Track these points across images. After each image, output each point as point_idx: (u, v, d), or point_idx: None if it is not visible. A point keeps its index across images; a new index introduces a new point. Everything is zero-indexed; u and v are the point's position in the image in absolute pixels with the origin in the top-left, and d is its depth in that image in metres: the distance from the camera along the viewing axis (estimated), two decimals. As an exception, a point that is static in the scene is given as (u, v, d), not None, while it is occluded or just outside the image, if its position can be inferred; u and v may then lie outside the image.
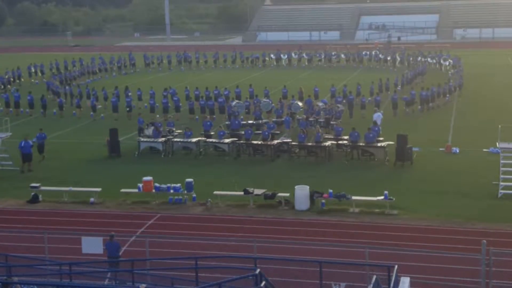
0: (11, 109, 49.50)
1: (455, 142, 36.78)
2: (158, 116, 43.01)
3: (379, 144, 34.01)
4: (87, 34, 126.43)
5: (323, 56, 74.39)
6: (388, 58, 69.58)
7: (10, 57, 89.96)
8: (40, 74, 66.58)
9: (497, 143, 29.80)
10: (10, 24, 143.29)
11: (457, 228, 24.43)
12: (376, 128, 35.35)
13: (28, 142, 33.58)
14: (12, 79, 62.21)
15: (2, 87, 58.37)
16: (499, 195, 27.78)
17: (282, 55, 75.55)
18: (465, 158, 34.02)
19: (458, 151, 35.13)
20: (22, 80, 63.64)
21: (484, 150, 35.00)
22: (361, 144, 34.22)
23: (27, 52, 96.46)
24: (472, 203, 27.19)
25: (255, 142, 35.76)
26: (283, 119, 41.18)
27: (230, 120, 39.89)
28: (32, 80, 64.60)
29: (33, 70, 66.09)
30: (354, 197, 26.96)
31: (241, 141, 35.96)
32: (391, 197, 26.53)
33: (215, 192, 28.16)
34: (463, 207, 26.69)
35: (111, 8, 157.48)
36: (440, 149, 35.64)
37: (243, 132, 36.98)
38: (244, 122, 40.04)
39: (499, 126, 30.99)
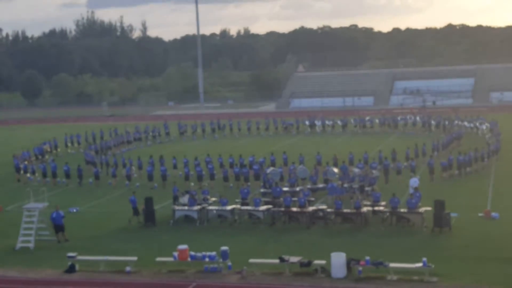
0: (48, 179, 50.09)
1: (494, 207, 36.15)
2: (192, 184, 43.08)
3: (416, 210, 33.58)
4: (122, 104, 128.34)
5: (357, 122, 74.20)
6: (424, 121, 69.25)
7: (47, 128, 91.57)
8: (76, 144, 67.50)
9: (538, 208, 29.28)
10: (46, 96, 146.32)
11: (500, 295, 23.85)
12: (418, 194, 34.92)
13: (59, 213, 33.85)
14: (49, 150, 63.17)
15: (40, 157, 59.22)
16: (542, 261, 27.14)
17: (316, 121, 75.64)
18: (505, 224, 33.35)
19: (497, 216, 34.50)
20: (59, 150, 64.57)
21: (524, 215, 34.40)
22: (402, 210, 33.81)
23: (63, 123, 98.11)
24: (514, 269, 26.58)
25: (292, 209, 35.55)
26: (319, 186, 40.96)
27: (271, 188, 39.61)
28: (69, 151, 65.49)
29: (69, 140, 67.01)
30: (391, 264, 26.49)
31: (277, 208, 35.73)
32: (430, 264, 26.00)
33: (250, 260, 27.87)
34: (504, 274, 26.05)
35: (145, 77, 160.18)
36: (479, 214, 35.07)
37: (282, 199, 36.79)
38: (280, 189, 39.87)
39: (539, 190, 30.57)
